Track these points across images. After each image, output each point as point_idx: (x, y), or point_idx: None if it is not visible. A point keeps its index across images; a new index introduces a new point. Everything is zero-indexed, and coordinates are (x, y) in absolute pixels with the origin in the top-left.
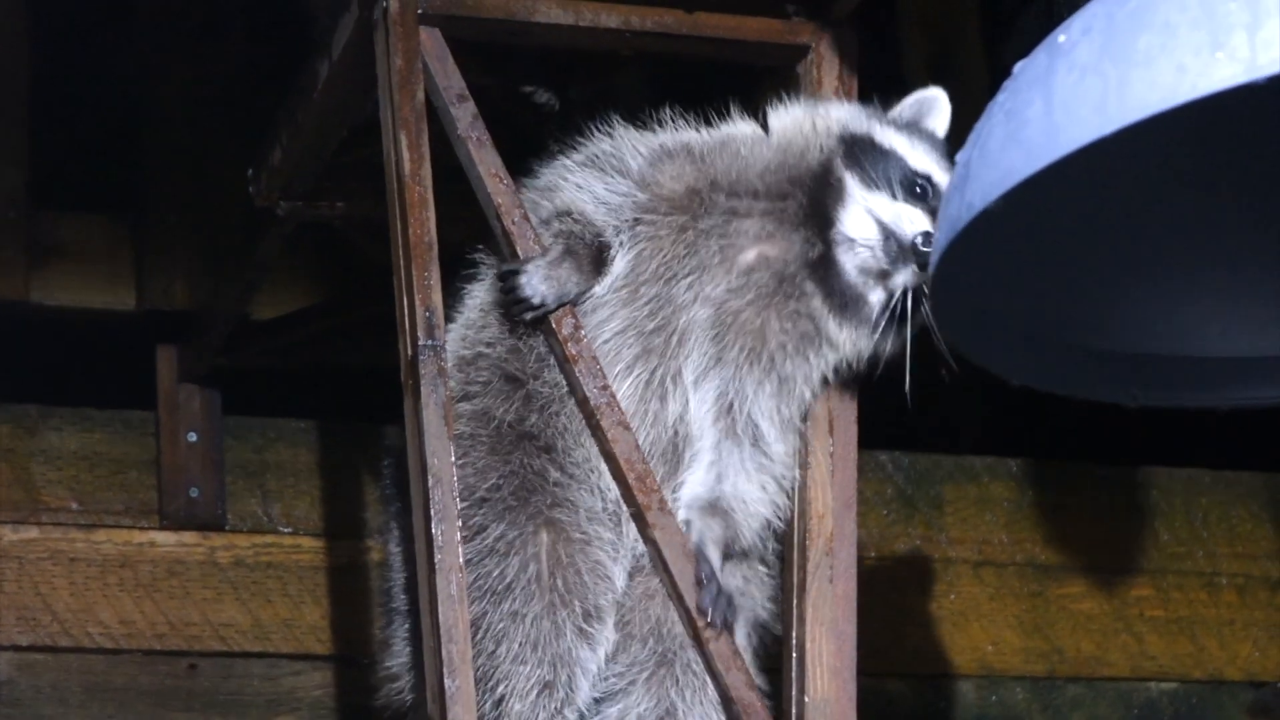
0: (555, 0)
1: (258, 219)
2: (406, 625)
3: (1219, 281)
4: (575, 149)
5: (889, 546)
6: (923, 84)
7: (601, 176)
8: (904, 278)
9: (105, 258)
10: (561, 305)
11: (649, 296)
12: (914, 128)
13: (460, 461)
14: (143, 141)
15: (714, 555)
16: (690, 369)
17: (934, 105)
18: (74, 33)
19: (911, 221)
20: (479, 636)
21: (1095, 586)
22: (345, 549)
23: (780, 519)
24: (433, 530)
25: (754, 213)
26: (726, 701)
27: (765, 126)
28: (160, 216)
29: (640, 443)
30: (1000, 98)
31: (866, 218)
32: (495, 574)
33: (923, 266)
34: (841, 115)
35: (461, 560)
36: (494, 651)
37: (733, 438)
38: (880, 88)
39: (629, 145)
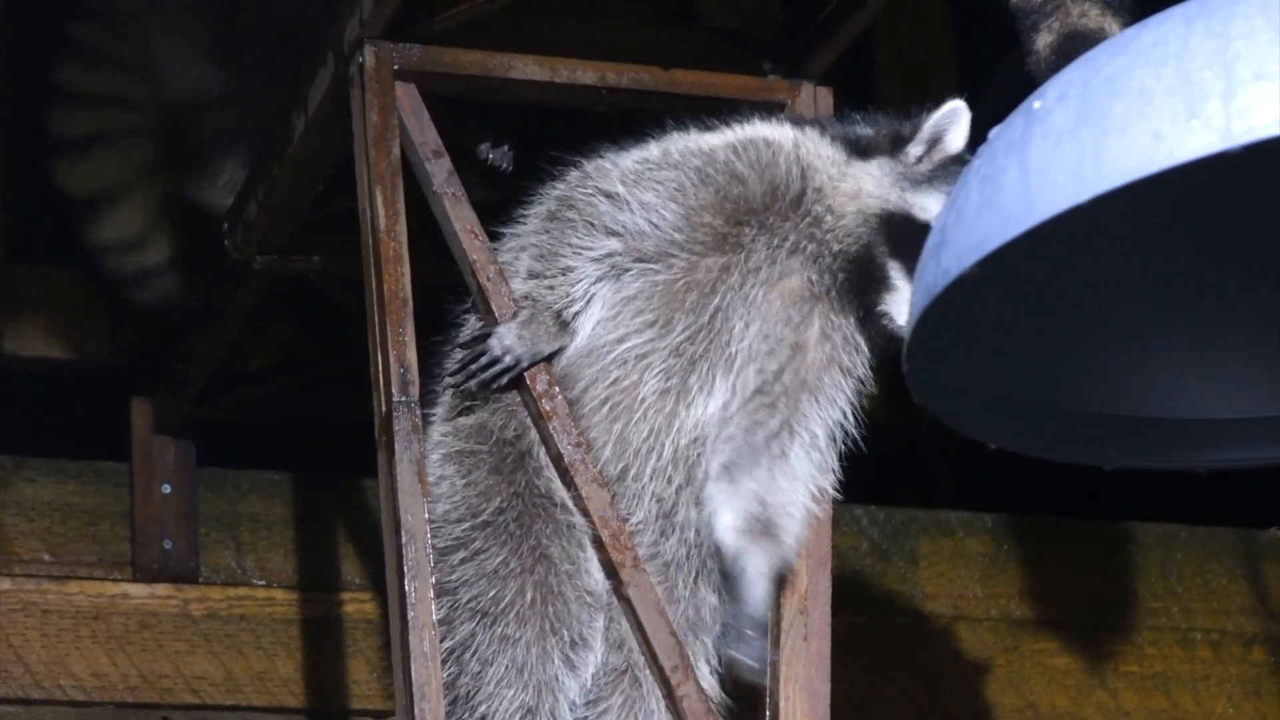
0: (531, 57)
1: (233, 272)
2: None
3: (1195, 344)
4: (577, 199)
5: (864, 601)
6: None
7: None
8: None
9: (80, 309)
10: (535, 363)
11: (685, 325)
12: (941, 175)
13: (464, 480)
14: None
15: (766, 589)
16: (724, 378)
17: (956, 119)
18: (50, 85)
19: None
20: (466, 656)
21: (1070, 642)
22: (319, 601)
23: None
24: (405, 587)
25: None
26: None
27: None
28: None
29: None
30: (976, 163)
31: None
32: (491, 596)
33: None
34: (871, 186)
35: (435, 617)
36: (479, 673)
37: (772, 452)
38: None
39: (638, 197)
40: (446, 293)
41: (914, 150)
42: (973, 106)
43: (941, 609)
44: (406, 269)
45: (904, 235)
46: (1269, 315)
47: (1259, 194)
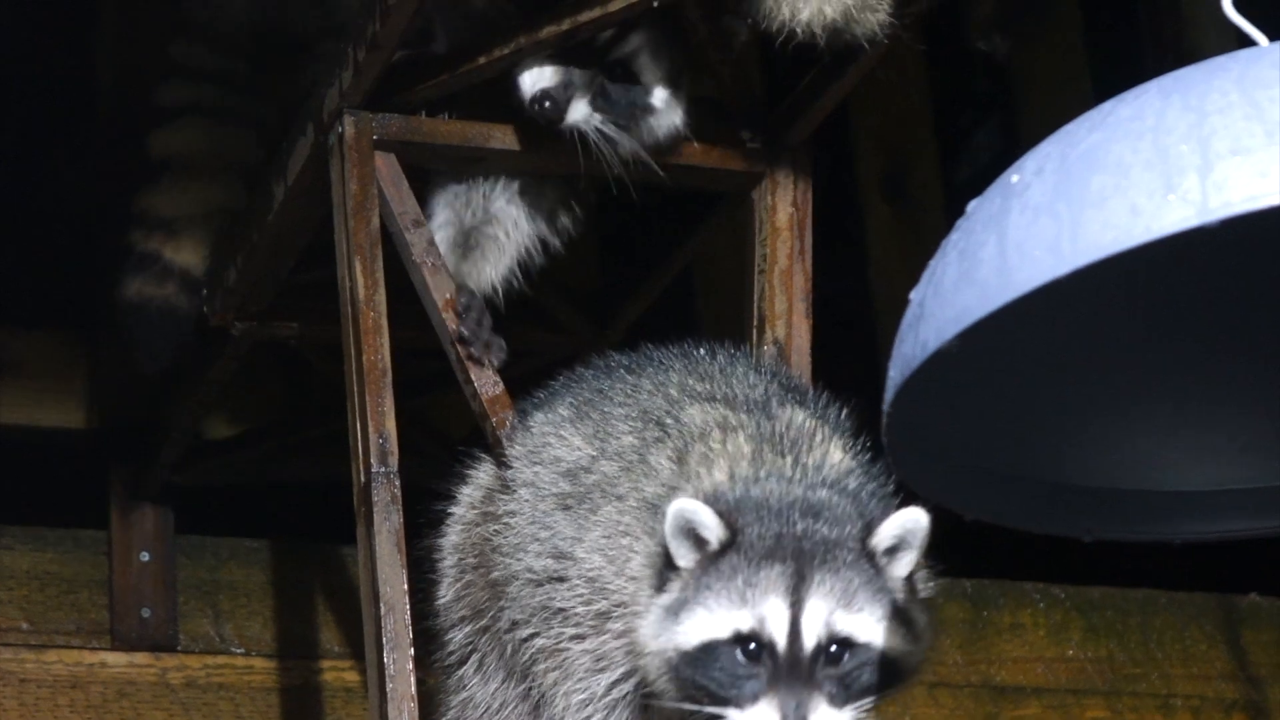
0: (510, 127)
1: (212, 338)
2: None
3: (1172, 417)
4: None
5: None
6: (876, 202)
7: None
8: None
9: (58, 375)
10: None
11: None
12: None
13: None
14: (96, 258)
15: None
16: None
17: (692, 516)
18: (27, 150)
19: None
20: None
21: (1050, 708)
22: (299, 670)
23: None
24: (385, 659)
25: None
26: None
27: None
28: (114, 334)
29: None
30: (954, 236)
31: None
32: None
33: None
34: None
35: (414, 689)
36: None
37: None
38: (834, 207)
39: None
40: (426, 359)
41: (684, 566)
42: (950, 167)
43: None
44: (386, 339)
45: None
46: (1244, 389)
47: (1235, 268)
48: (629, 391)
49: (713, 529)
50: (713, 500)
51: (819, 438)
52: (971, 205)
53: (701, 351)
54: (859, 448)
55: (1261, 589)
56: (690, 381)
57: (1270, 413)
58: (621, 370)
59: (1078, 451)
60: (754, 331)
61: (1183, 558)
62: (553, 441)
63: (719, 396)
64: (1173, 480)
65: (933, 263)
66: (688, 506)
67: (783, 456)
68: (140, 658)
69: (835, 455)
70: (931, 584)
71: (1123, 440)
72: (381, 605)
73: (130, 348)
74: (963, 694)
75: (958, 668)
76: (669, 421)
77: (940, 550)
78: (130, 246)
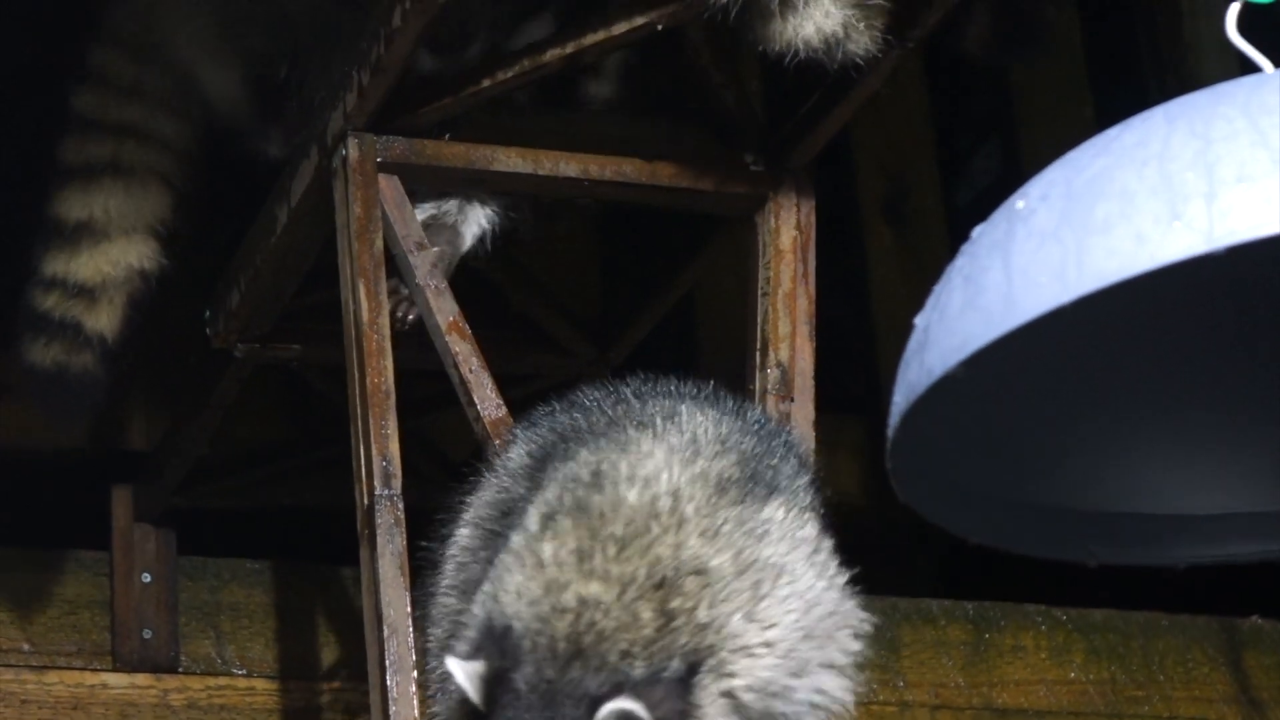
0: (514, 149)
1: (215, 360)
2: None
3: (1176, 440)
4: None
5: None
6: (877, 225)
7: None
8: None
9: None
10: None
11: None
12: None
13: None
14: None
15: None
16: None
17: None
18: (27, 173)
19: None
20: None
21: None
22: (300, 691)
23: None
24: (388, 682)
25: None
26: None
27: None
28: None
29: None
30: (959, 261)
31: None
32: None
33: None
34: None
35: (417, 713)
36: None
37: None
38: (835, 229)
39: None
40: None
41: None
42: (950, 191)
43: (924, 698)
44: (389, 361)
45: None
46: (1250, 412)
47: (1240, 293)
48: (574, 438)
49: (477, 699)
50: (496, 643)
51: (666, 523)
52: (976, 230)
53: (642, 391)
54: (719, 521)
55: (1264, 612)
56: (603, 438)
57: (1275, 436)
58: (580, 409)
59: (1081, 475)
60: (757, 355)
61: (1185, 580)
62: (507, 485)
63: (606, 465)
64: (1177, 504)
65: (938, 288)
66: (459, 672)
67: (591, 580)
68: (141, 679)
69: (663, 551)
70: None
71: (1127, 464)
72: (385, 628)
73: (41, 412)
74: (964, 716)
75: (959, 690)
76: (574, 484)
77: (944, 573)
78: (45, 311)
